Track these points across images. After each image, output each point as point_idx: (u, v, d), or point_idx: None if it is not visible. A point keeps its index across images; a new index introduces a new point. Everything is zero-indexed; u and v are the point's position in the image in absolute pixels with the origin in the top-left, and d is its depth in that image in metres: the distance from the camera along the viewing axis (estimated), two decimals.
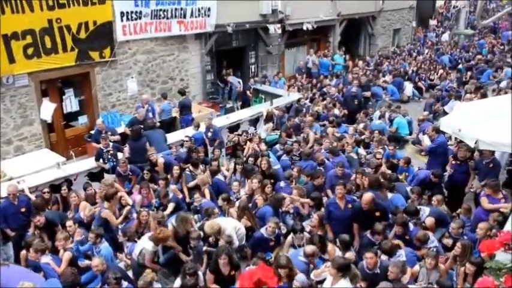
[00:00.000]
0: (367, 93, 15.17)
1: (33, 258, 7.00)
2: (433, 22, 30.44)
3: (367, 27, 23.10)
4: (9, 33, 10.54)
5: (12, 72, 10.89)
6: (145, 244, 7.07)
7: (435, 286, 6.39)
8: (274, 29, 16.75)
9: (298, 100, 14.41)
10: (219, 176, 9.63)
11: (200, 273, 6.78)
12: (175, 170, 9.21)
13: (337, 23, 20.62)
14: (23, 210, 8.06)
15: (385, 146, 10.93)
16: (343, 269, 6.08)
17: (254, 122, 13.28)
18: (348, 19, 21.16)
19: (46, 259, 7.03)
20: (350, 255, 6.98)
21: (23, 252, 7.25)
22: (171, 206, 8.45)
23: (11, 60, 10.75)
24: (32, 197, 8.51)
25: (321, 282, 6.58)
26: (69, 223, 7.78)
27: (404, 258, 6.76)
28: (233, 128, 12.54)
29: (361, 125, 12.98)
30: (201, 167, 9.68)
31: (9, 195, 8.04)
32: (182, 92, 13.22)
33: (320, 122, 13.10)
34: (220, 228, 7.28)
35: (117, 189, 8.54)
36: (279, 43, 17.81)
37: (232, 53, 17.12)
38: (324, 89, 16.33)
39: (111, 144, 10.11)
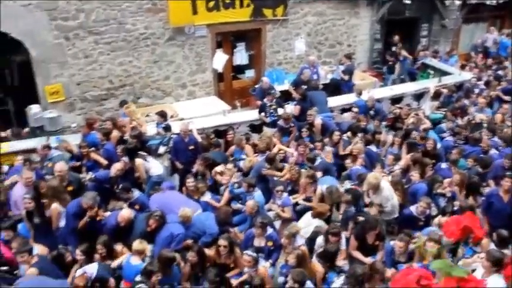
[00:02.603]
0: None
1: (194, 196, 7.75)
2: None
3: None
4: None
5: (193, 22, 11.77)
6: (315, 222, 7.20)
7: None
8: (453, 0, 15.55)
9: (470, 80, 13.36)
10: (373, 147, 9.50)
11: (343, 235, 6.87)
12: (336, 135, 9.24)
13: None
14: (191, 147, 8.87)
15: None
16: (498, 264, 5.70)
17: (418, 97, 12.70)
18: None
19: (206, 198, 7.71)
20: (508, 252, 6.47)
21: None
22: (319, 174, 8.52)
23: (194, 11, 11.61)
24: (199, 138, 9.27)
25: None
26: (229, 166, 8.33)
27: None
28: (396, 100, 12.16)
29: None
30: (359, 135, 9.60)
31: (181, 132, 8.90)
32: (349, 57, 13.07)
33: None
34: (380, 185, 7.23)
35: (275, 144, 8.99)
36: (456, 17, 16.45)
37: (403, 23, 16.31)
38: (500, 72, 14.85)
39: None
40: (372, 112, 10.80)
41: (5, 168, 8.38)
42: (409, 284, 3.62)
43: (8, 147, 9.19)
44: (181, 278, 6.27)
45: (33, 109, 10.49)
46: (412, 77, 14.80)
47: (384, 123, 10.72)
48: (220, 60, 11.96)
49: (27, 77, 11.72)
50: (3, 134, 10.14)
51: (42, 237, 6.83)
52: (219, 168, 8.37)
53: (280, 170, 8.62)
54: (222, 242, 6.33)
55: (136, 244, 6.12)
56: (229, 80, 13.27)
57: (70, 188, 7.37)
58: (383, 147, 9.88)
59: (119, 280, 6.13)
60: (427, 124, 10.38)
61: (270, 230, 6.83)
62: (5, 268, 5.98)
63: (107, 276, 5.75)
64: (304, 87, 10.96)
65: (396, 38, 14.59)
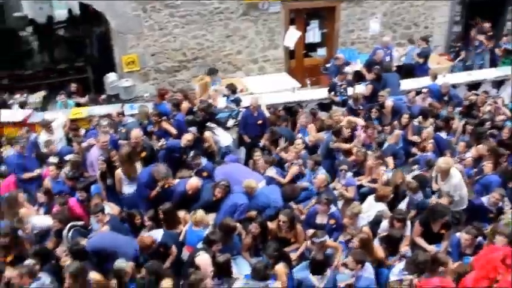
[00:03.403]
0: None
1: (259, 170, 7.83)
2: None
3: None
4: None
5: None
6: (379, 207, 7.06)
7: None
8: None
9: None
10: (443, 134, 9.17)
11: (408, 222, 6.73)
12: (405, 117, 8.99)
13: None
14: (259, 122, 8.98)
15: None
16: None
17: (498, 84, 12.05)
18: None
19: (271, 172, 7.76)
20: None
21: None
22: (390, 160, 8.32)
23: None
24: (267, 113, 9.34)
25: None
26: (298, 141, 8.26)
27: None
28: (473, 86, 11.61)
29: None
30: (431, 120, 9.28)
31: (250, 106, 9.01)
32: (426, 40, 12.53)
33: None
34: (450, 171, 7.04)
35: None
36: None
37: (487, 6, 15.37)
38: None
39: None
40: (445, 98, 10.39)
41: (83, 131, 8.88)
42: (493, 261, 3.48)
43: (86, 112, 9.75)
44: (242, 248, 6.40)
45: (110, 78, 11.01)
46: (493, 63, 14.02)
47: (458, 109, 10.28)
48: (292, 37, 11.89)
49: (106, 47, 12.28)
50: (82, 100, 10.74)
51: (113, 198, 7.23)
52: (283, 145, 8.41)
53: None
54: (282, 217, 6.37)
55: (192, 214, 6.37)
56: (301, 58, 13.17)
57: (143, 154, 7.71)
58: (455, 135, 9.50)
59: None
60: (506, 113, 9.85)
61: (333, 208, 6.82)
62: (80, 223, 6.41)
63: (170, 243, 6.02)
64: (377, 67, 10.70)
65: (487, 25, 13.67)
